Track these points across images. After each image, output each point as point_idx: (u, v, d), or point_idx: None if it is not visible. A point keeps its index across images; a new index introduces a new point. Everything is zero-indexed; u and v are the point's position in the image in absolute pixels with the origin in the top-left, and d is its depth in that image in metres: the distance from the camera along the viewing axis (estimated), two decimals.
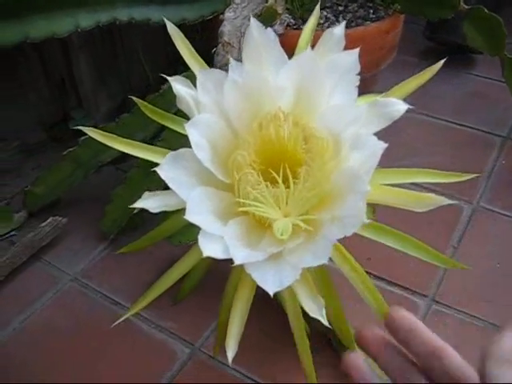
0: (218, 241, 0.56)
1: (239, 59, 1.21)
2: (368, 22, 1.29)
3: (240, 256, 0.55)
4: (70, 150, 1.16)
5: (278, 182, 0.61)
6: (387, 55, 1.35)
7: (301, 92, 0.62)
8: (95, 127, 0.70)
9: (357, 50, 0.59)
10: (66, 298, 1.08)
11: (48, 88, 1.42)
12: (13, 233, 1.20)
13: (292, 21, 1.27)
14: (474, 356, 0.42)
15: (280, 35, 1.21)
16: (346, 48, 1.24)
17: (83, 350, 0.98)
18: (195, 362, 0.96)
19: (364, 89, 1.46)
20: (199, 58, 0.68)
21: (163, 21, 1.26)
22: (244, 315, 0.62)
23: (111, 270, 1.13)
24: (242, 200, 0.59)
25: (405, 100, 0.60)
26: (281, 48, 0.60)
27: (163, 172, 0.57)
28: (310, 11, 1.27)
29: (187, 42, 0.67)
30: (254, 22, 0.59)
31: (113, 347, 0.99)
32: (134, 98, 0.70)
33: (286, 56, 0.61)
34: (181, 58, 0.68)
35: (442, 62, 0.66)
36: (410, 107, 0.57)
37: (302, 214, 0.59)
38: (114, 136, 0.67)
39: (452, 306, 1.05)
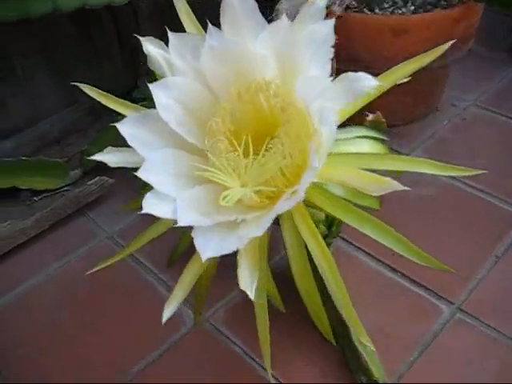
0: (169, 202, 0.57)
1: None
2: (438, 9, 1.21)
3: (186, 219, 0.55)
4: None
5: (249, 152, 0.60)
6: (457, 47, 1.26)
7: (282, 61, 0.61)
8: None
9: (332, 21, 0.56)
10: (99, 253, 1.15)
11: (121, 57, 1.49)
12: (67, 188, 1.28)
13: (354, 3, 1.23)
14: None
15: (338, 17, 1.18)
16: (407, 35, 1.19)
17: (101, 302, 1.04)
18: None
19: (433, 81, 1.38)
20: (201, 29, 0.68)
21: None
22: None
23: None
24: (203, 166, 0.59)
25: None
26: (261, 16, 0.59)
27: (124, 128, 0.58)
28: None
29: (192, 15, 0.68)
30: None
31: (126, 301, 1.04)
32: None
33: (266, 22, 0.59)
34: None
35: None
36: (379, 83, 0.53)
37: (259, 184, 0.58)
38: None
39: (478, 317, 0.97)
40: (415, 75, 1.28)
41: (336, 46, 1.15)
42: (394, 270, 1.07)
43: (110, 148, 0.60)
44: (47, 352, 0.97)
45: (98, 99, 0.67)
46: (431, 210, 1.20)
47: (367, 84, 0.53)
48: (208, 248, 0.54)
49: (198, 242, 0.55)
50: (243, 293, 0.54)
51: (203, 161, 0.62)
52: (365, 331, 0.65)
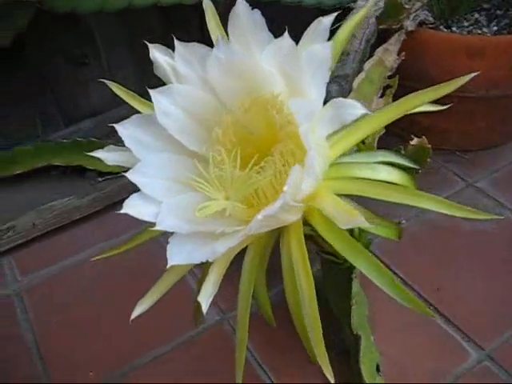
0: (154, 205, 0.59)
1: (358, 50, 1.18)
2: None
3: (165, 223, 0.57)
4: None
5: (248, 164, 0.60)
6: None
7: (287, 78, 0.60)
8: None
9: (329, 43, 0.54)
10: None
11: None
12: None
13: (430, 18, 1.17)
14: None
15: (410, 32, 1.14)
16: (483, 58, 1.11)
17: (131, 287, 1.09)
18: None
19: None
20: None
21: (315, 4, 1.29)
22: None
23: None
24: (193, 176, 0.60)
25: None
26: (267, 31, 0.58)
27: (122, 129, 0.61)
28: (456, 9, 1.17)
29: (217, 17, 0.69)
30: (240, 1, 0.58)
31: None
32: None
33: (272, 36, 0.59)
34: None
35: None
36: (368, 112, 0.51)
37: (242, 199, 0.58)
38: None
39: (507, 369, 0.90)
40: (490, 100, 1.21)
41: (403, 63, 1.12)
42: (426, 301, 1.02)
43: (111, 146, 0.63)
44: (74, 326, 1.03)
45: (126, 99, 0.70)
46: (483, 247, 1.12)
47: (354, 112, 0.51)
48: (178, 255, 0.55)
49: (171, 247, 0.56)
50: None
51: (201, 166, 0.63)
52: (327, 363, 0.62)
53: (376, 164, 0.70)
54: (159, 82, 0.67)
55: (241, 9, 0.58)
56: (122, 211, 0.57)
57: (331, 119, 0.53)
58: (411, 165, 0.77)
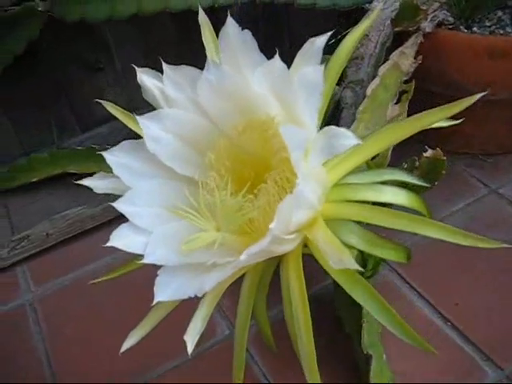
0: (144, 235, 0.57)
1: (373, 54, 1.13)
2: None
3: (153, 256, 0.55)
4: None
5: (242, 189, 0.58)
6: None
7: (281, 101, 0.57)
8: None
9: (321, 67, 0.51)
10: None
11: None
12: None
13: (450, 18, 1.12)
14: None
15: (428, 33, 1.09)
16: (507, 59, 1.06)
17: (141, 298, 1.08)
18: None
19: None
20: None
21: (330, 6, 1.25)
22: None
23: None
24: (182, 205, 0.58)
25: None
26: (258, 52, 0.55)
27: (110, 157, 0.59)
28: (477, 8, 1.11)
29: (214, 35, 0.66)
30: (229, 21, 0.55)
31: None
32: None
33: (263, 57, 0.56)
34: None
35: None
36: (360, 143, 0.48)
37: (233, 231, 0.56)
38: None
39: None
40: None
41: (424, 67, 1.07)
42: (442, 316, 0.98)
43: (100, 173, 0.61)
44: (86, 339, 1.03)
45: (121, 119, 0.68)
46: (506, 259, 1.07)
47: (345, 143, 0.48)
48: (165, 291, 0.53)
49: (159, 282, 0.54)
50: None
51: (193, 192, 0.61)
52: None
53: (381, 185, 0.66)
54: None
55: (230, 29, 0.55)
56: (108, 244, 0.55)
57: (322, 149, 0.50)
58: (421, 183, 0.73)
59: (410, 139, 0.90)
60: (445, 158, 0.84)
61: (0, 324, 1.08)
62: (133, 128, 0.68)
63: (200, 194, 0.57)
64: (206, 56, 0.64)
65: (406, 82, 1.05)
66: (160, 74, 0.60)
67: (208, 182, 0.59)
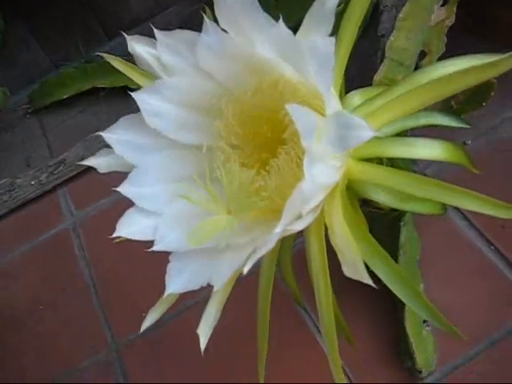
0: (153, 219, 0.54)
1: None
2: None
3: (165, 241, 0.52)
4: None
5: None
6: None
7: (293, 65, 0.49)
8: None
9: (332, 39, 0.42)
10: None
11: None
12: None
13: None
14: None
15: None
16: None
17: None
18: None
19: None
20: None
21: None
22: None
23: None
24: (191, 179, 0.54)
25: None
26: (262, 11, 0.47)
27: (111, 136, 0.54)
28: None
29: None
30: None
31: None
32: None
33: (270, 19, 0.47)
34: None
35: None
36: (377, 134, 0.41)
37: (244, 215, 0.51)
38: None
39: None
40: None
41: None
42: (487, 240, 0.93)
43: (104, 150, 0.57)
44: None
45: (126, 72, 0.62)
46: None
47: (360, 134, 0.41)
48: (176, 281, 0.51)
49: (171, 269, 0.52)
50: None
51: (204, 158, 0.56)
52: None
53: (413, 139, 0.59)
54: None
55: None
56: (114, 235, 0.52)
57: (333, 141, 0.43)
58: (462, 124, 0.65)
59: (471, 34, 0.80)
60: (495, 81, 0.75)
61: (47, 251, 1.12)
62: (140, 82, 0.62)
63: (207, 174, 0.52)
64: None
65: None
66: (153, 40, 0.53)
67: (219, 153, 0.54)
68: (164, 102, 0.53)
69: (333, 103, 0.45)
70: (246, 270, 0.43)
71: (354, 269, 0.44)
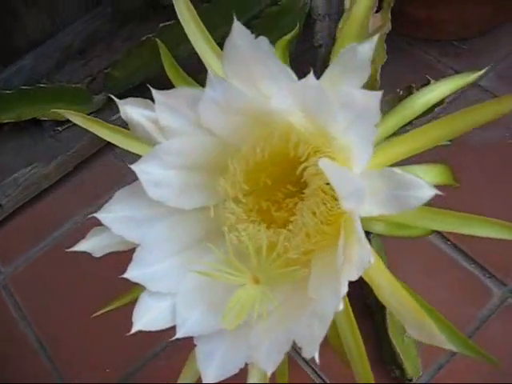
0: (168, 299, 0.47)
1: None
2: None
3: (187, 325, 0.46)
4: (149, 36, 1.10)
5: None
6: None
7: (310, 117, 0.45)
8: None
9: (379, 94, 0.39)
10: None
11: None
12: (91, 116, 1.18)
13: None
14: None
15: None
16: None
17: None
18: None
19: None
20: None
21: None
22: None
23: None
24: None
25: None
26: (277, 60, 0.42)
27: (106, 214, 0.47)
28: None
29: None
30: (237, 26, 0.40)
31: None
32: None
33: (288, 69, 0.43)
34: None
35: None
36: (439, 193, 0.38)
37: (274, 283, 0.47)
38: None
39: None
40: None
41: None
42: (444, 238, 0.96)
43: (96, 229, 0.49)
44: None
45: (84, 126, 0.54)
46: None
47: (421, 196, 0.38)
48: (209, 365, 0.45)
49: (200, 353, 0.46)
50: None
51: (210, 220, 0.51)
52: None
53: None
54: None
55: (239, 35, 0.41)
56: (133, 330, 0.45)
57: (384, 202, 0.40)
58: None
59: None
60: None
61: None
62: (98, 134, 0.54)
63: (227, 241, 0.47)
64: None
65: None
66: (149, 101, 0.46)
67: (229, 216, 0.49)
68: (165, 169, 0.47)
69: (366, 158, 0.42)
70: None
71: (425, 332, 0.41)
